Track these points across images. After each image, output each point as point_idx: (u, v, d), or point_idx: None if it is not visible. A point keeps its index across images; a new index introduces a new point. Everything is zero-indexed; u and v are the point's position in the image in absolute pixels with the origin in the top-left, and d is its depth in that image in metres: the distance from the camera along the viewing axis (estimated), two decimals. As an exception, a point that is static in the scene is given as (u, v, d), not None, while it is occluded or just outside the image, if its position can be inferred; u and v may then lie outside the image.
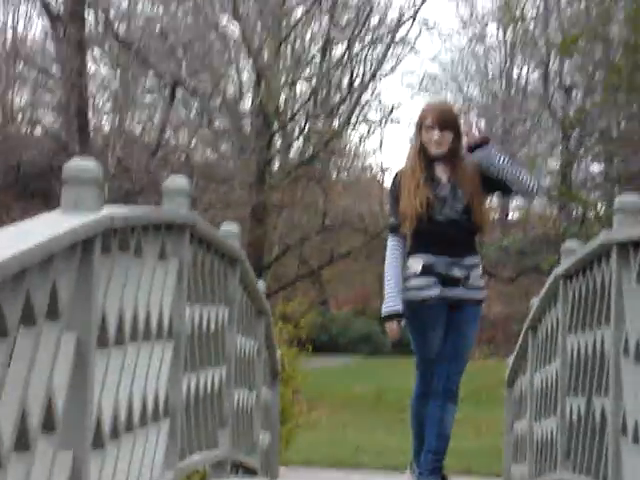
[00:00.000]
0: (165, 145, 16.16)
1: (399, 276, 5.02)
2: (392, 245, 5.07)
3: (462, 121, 5.08)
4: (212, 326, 5.01)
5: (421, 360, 5.05)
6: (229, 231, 5.74)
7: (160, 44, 14.43)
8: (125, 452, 3.42)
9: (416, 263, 4.99)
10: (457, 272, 5.00)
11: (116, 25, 15.39)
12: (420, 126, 5.03)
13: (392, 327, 4.99)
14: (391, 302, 4.99)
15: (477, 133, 5.06)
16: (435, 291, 4.97)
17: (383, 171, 26.23)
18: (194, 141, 17.53)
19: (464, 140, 4.99)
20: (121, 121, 15.26)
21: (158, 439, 3.94)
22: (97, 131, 15.73)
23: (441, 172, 5.04)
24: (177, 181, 4.51)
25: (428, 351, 5.01)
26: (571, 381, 5.14)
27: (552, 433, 5.53)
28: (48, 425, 2.64)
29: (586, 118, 11.72)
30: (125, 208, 3.58)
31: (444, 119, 4.99)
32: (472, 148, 5.01)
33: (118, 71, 16.18)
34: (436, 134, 4.97)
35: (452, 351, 5.00)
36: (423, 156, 5.02)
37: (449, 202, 4.99)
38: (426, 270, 4.97)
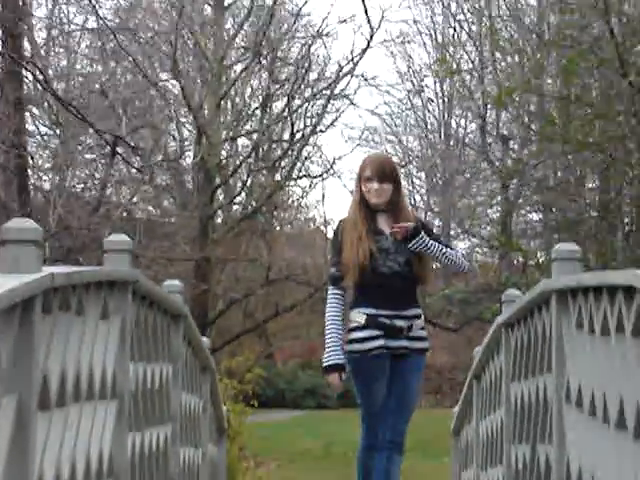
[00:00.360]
0: (107, 202, 16.10)
1: (339, 328, 5.06)
2: (332, 297, 5.10)
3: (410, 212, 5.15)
4: (156, 384, 4.97)
5: (366, 412, 5.05)
6: (172, 287, 5.73)
7: (100, 102, 14.45)
8: (68, 515, 3.37)
9: (359, 315, 5.03)
10: (400, 323, 5.03)
11: (55, 84, 15.39)
12: (360, 178, 5.10)
13: (334, 379, 5.01)
14: (332, 354, 5.01)
15: (406, 225, 5.07)
16: (379, 342, 4.99)
17: (326, 223, 26.35)
18: (136, 198, 17.50)
19: (397, 234, 5.02)
20: (62, 179, 15.20)
21: (102, 501, 3.88)
22: (37, 189, 15.64)
23: (383, 224, 5.10)
24: (118, 239, 4.50)
25: (373, 403, 5.01)
26: (516, 429, 5.17)
27: (499, 482, 5.54)
28: (-11, 490, 2.60)
29: (523, 168, 11.91)
30: (66, 267, 3.56)
31: (382, 171, 5.05)
32: (407, 239, 5.05)
33: (57, 130, 16.14)
34: (375, 185, 5.03)
35: (397, 402, 5.03)
36: (365, 208, 5.08)
37: (392, 254, 5.04)
38: (369, 322, 5.01)
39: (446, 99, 26.87)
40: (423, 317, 5.18)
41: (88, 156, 16.70)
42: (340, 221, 5.22)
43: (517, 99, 11.16)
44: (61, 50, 17.47)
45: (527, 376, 4.96)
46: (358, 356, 5.00)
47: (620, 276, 3.30)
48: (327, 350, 5.03)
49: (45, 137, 16.99)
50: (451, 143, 25.82)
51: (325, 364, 5.03)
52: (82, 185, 16.67)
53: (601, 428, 3.51)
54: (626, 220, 11.87)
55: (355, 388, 5.08)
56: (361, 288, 5.02)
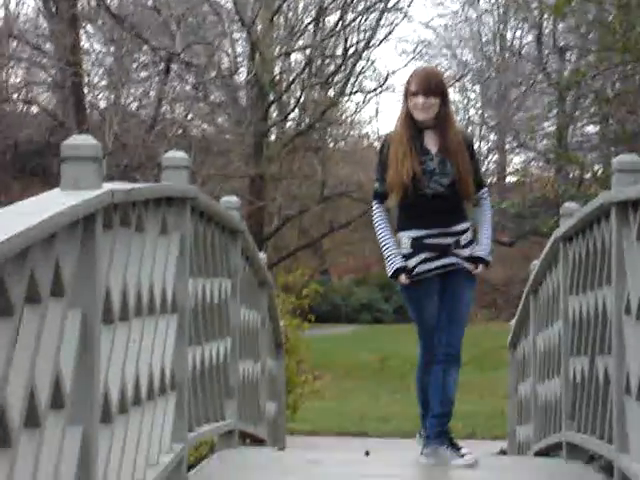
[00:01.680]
0: (162, 120, 16.10)
1: (392, 237, 5.07)
2: (378, 212, 5.09)
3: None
4: (215, 299, 5.03)
5: (422, 329, 5.08)
6: (230, 203, 5.75)
7: (153, 18, 14.36)
8: (133, 426, 3.45)
9: (405, 240, 5.02)
10: (447, 241, 5.00)
11: (108, 0, 15.31)
12: (406, 92, 4.98)
13: (403, 281, 5.02)
14: (393, 260, 5.02)
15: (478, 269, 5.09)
16: (427, 266, 4.99)
17: (380, 139, 26.21)
18: (190, 115, 17.48)
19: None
20: (117, 97, 15.20)
21: (166, 412, 3.96)
22: (93, 107, 15.67)
23: (430, 142, 5.00)
24: (176, 155, 4.51)
25: (426, 322, 5.04)
26: (574, 342, 5.16)
27: (556, 394, 5.57)
28: (57, 402, 2.66)
29: (581, 79, 11.68)
30: (125, 184, 3.58)
31: (428, 84, 4.93)
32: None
33: (112, 47, 16.12)
34: (420, 100, 4.92)
35: (449, 317, 5.04)
36: (411, 124, 4.96)
37: (436, 175, 4.97)
38: (415, 246, 5.00)
39: (501, 10, 26.36)
40: (472, 230, 5.13)
41: (143, 74, 16.70)
42: (386, 136, 5.15)
43: (575, 7, 10.89)
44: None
45: (586, 289, 4.94)
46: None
47: (683, 187, 3.25)
48: (388, 259, 5.03)
49: (100, 55, 16.99)
50: (507, 55, 25.39)
51: (390, 271, 5.04)
52: (137, 103, 16.70)
53: (662, 340, 3.49)
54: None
55: (408, 307, 5.13)
56: (405, 208, 5.00)
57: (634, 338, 3.98)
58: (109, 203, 3.11)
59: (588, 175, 13.96)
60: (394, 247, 5.04)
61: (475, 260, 5.04)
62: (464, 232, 5.06)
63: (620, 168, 4.42)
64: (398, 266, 4.99)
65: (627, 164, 4.41)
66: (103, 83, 16.39)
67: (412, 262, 4.99)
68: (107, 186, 3.13)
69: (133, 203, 3.49)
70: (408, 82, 5.00)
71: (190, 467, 4.66)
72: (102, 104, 15.61)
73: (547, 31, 21.29)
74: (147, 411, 3.65)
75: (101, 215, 3.02)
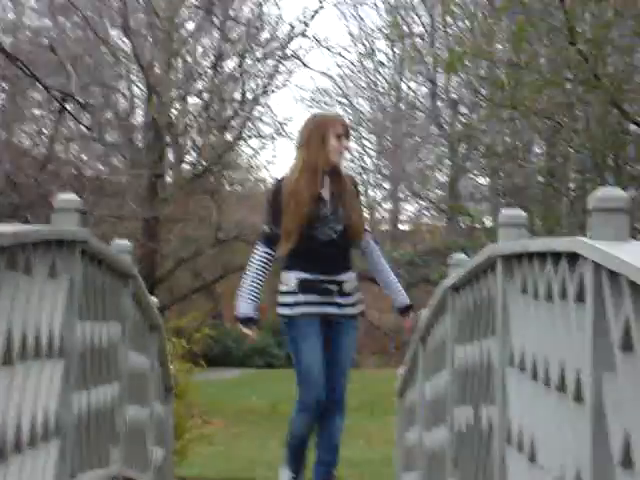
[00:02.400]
0: (55, 159, 15.92)
1: (259, 284, 5.06)
2: (260, 255, 5.07)
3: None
4: (104, 343, 4.98)
5: (303, 375, 5.02)
6: (121, 247, 5.72)
7: (48, 57, 14.24)
8: (13, 473, 3.38)
9: (293, 279, 5.02)
10: (332, 287, 5.05)
11: (2, 37, 15.14)
12: (322, 136, 4.96)
13: (245, 332, 5.08)
14: (243, 306, 5.05)
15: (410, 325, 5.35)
16: (310, 309, 5.01)
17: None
18: (85, 155, 17.32)
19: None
20: (9, 135, 14.99)
21: (48, 459, 3.90)
22: (-16, 145, 15.43)
23: (325, 188, 5.04)
24: (67, 198, 4.48)
25: (309, 366, 4.99)
26: (460, 391, 5.25)
27: (442, 443, 5.64)
28: None
29: (472, 133, 12.00)
30: (14, 225, 3.54)
31: (348, 129, 5.04)
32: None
33: (5, 84, 15.91)
34: (346, 143, 4.98)
35: (333, 365, 5.05)
36: (315, 169, 4.97)
37: (331, 222, 5.02)
38: (300, 287, 5.01)
39: (397, 62, 26.88)
40: (356, 281, 5.19)
41: (36, 112, 16.49)
42: (279, 180, 5.11)
43: (467, 64, 11.21)
44: (9, 3, 17.18)
45: (472, 339, 5.04)
46: (287, 321, 5.01)
47: (564, 243, 3.36)
48: (239, 301, 5.05)
49: (-8, 91, 16.74)
50: (401, 106, 25.86)
51: (236, 314, 5.06)
52: (30, 141, 16.47)
53: (543, 391, 3.58)
54: (571, 186, 12.03)
55: (291, 351, 5.09)
56: (295, 253, 4.99)
57: (516, 389, 4.07)
58: (-4, 245, 3.07)
59: (478, 226, 14.28)
60: (251, 293, 5.04)
61: (406, 309, 5.22)
62: (348, 282, 5.13)
63: (505, 222, 4.55)
64: (243, 315, 5.02)
65: (511, 218, 4.55)
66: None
67: (295, 299, 4.98)
68: (-5, 228, 3.09)
69: (21, 245, 3.45)
70: (330, 124, 4.98)
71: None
72: (-6, 141, 15.38)
73: (441, 83, 21.78)
74: (28, 458, 3.58)
75: (-12, 257, 2.98)
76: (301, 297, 4.99)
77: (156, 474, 6.82)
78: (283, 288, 5.05)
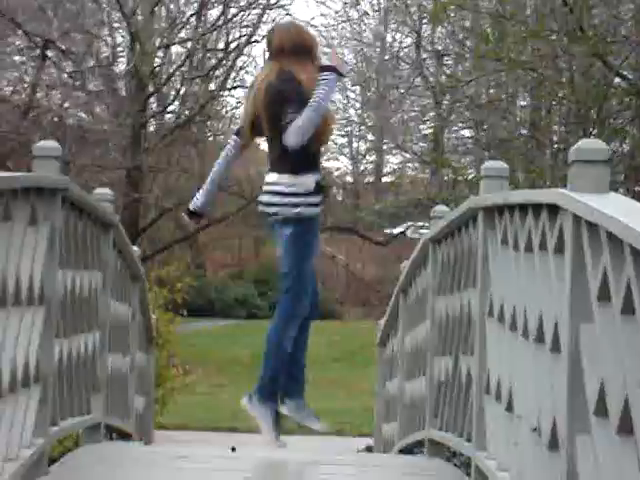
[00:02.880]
0: (37, 107, 15.78)
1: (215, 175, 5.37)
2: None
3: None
4: (85, 291, 4.98)
5: (305, 281, 5.06)
6: (103, 195, 5.70)
7: (29, 2, 14.06)
8: (-6, 419, 3.39)
9: (313, 181, 5.01)
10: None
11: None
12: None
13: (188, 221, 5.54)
14: (194, 201, 5.43)
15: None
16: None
17: (259, 135, 26.19)
18: (67, 103, 17.18)
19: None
20: (-10, 81, 14.88)
21: (28, 405, 3.91)
22: (-36, 92, 15.28)
23: None
24: (47, 145, 4.45)
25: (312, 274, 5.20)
26: (439, 342, 5.29)
27: (421, 393, 5.69)
28: None
29: (456, 85, 11.95)
30: (-7, 172, 3.52)
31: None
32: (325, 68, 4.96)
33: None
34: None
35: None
36: None
37: None
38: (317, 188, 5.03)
39: (382, 12, 26.69)
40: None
41: (17, 58, 16.32)
42: None
43: (452, 15, 11.14)
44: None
45: (452, 291, 5.06)
46: (312, 221, 5.05)
47: (545, 194, 3.37)
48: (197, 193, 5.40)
49: (-28, 38, 16.54)
50: (386, 57, 25.72)
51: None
52: (11, 88, 16.31)
53: (521, 342, 3.61)
54: (555, 138, 12.01)
55: (302, 254, 5.03)
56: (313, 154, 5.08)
57: (495, 340, 4.10)
58: (-25, 192, 3.06)
59: (461, 179, 14.27)
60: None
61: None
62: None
63: (488, 174, 4.56)
64: (191, 207, 5.40)
65: (494, 170, 4.55)
66: (-25, 67, 15.99)
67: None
68: (-26, 174, 3.07)
69: (0, 192, 3.43)
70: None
71: (54, 460, 4.61)
72: (-26, 88, 15.23)
73: (426, 34, 21.65)
74: (8, 404, 3.59)
75: (-33, 204, 2.97)
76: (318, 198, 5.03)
77: (137, 422, 6.86)
78: (307, 189, 4.99)
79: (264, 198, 5.10)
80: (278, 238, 5.07)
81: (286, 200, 4.98)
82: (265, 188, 5.09)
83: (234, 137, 5.32)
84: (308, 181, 5.01)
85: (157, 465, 4.71)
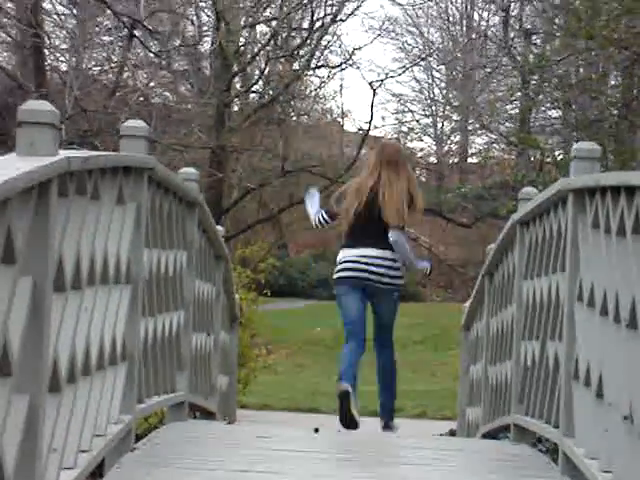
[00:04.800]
0: (124, 86, 15.93)
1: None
2: None
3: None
4: (170, 270, 5.00)
5: None
6: (188, 175, 5.72)
7: (118, -17, 14.23)
8: (82, 396, 3.43)
9: None
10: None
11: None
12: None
13: None
14: None
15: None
16: None
17: (343, 115, 26.18)
18: (153, 83, 17.32)
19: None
20: (78, 61, 15.03)
21: (115, 383, 3.95)
22: (54, 70, 15.47)
23: None
24: (135, 125, 4.48)
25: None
26: (526, 326, 5.20)
27: (507, 377, 5.61)
28: (4, 369, 2.63)
29: (545, 65, 11.71)
30: (82, 151, 3.55)
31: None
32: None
33: (74, 10, 15.90)
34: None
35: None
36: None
37: None
38: None
39: (470, -9, 26.37)
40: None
41: (105, 38, 16.48)
42: None
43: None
44: None
45: (540, 275, 4.97)
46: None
47: (639, 177, 3.27)
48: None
49: (62, 17, 16.76)
50: (473, 36, 25.42)
51: None
52: (99, 68, 16.49)
53: (612, 327, 3.52)
54: (648, 120, 11.72)
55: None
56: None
57: (585, 325, 4.01)
58: (65, 171, 3.07)
59: (549, 160, 14.04)
60: None
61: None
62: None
63: (578, 155, 4.45)
64: None
65: (585, 152, 4.44)
66: (64, 46, 16.17)
67: None
68: (63, 153, 3.09)
69: (89, 171, 3.45)
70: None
71: (139, 437, 4.65)
72: (63, 67, 15.40)
73: (514, 13, 21.34)
74: (96, 381, 3.63)
75: (56, 182, 2.99)
76: None
77: (220, 401, 6.90)
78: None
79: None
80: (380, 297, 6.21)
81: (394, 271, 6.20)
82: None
83: (320, 216, 6.49)
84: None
85: (240, 444, 4.73)
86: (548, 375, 4.63)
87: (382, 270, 6.05)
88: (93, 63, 16.43)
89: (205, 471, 3.99)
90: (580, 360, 4.02)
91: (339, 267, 6.19)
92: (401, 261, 6.14)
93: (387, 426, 6.19)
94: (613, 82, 13.20)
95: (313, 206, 6.48)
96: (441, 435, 8.38)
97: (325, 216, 6.40)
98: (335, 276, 6.28)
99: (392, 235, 6.04)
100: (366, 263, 6.04)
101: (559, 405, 4.30)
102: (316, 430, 5.39)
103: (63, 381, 3.18)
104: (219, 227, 6.81)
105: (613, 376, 3.49)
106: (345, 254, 6.15)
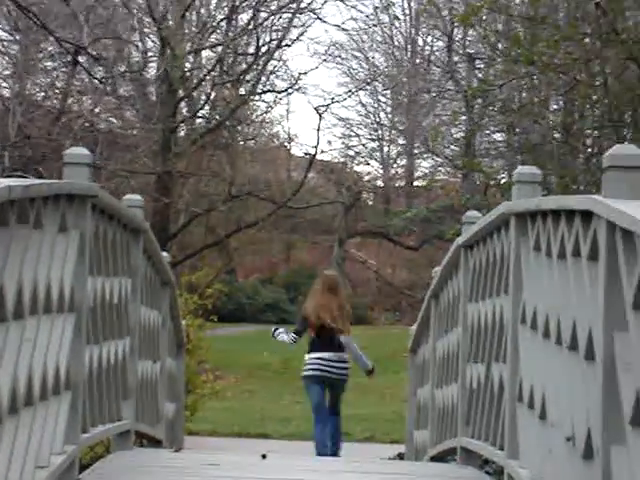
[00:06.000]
0: (68, 112, 15.83)
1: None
2: None
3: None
4: (115, 298, 4.97)
5: None
6: (132, 201, 5.69)
7: (61, 8, 14.13)
8: (24, 427, 3.38)
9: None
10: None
11: (16, -11, 15.02)
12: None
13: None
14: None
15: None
16: None
17: (290, 139, 26.24)
18: (98, 108, 17.25)
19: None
20: (22, 87, 14.93)
21: (59, 413, 3.90)
22: (-4, 97, 15.34)
23: None
24: (77, 152, 4.45)
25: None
26: (471, 349, 5.24)
27: (453, 400, 5.64)
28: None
29: (488, 89, 11.87)
30: (24, 179, 3.52)
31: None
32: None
33: (17, 36, 15.79)
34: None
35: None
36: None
37: None
38: None
39: (413, 16, 26.63)
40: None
41: (49, 64, 16.38)
42: None
43: (484, 18, 11.07)
44: (22, -45, 16.96)
45: (485, 297, 5.01)
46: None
47: (578, 201, 3.32)
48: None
49: (4, 42, 16.64)
50: (417, 61, 25.66)
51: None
52: (43, 94, 16.38)
53: (554, 349, 3.56)
54: (588, 143, 11.89)
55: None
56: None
57: (528, 347, 4.05)
58: (6, 199, 3.05)
59: (493, 183, 14.19)
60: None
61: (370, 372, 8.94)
62: None
63: (520, 179, 4.51)
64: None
65: (527, 176, 4.50)
66: (7, 72, 16.07)
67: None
68: (4, 182, 3.07)
69: (31, 199, 3.43)
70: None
71: (85, 467, 4.60)
72: (6, 93, 15.28)
73: (458, 38, 21.58)
74: (39, 412, 3.59)
75: (-4, 211, 2.96)
76: None
77: (167, 428, 6.85)
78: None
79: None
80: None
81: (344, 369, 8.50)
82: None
83: (293, 336, 8.65)
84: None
85: (188, 472, 4.69)
86: (493, 397, 4.66)
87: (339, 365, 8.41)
88: (37, 89, 16.32)
89: (150, 500, 3.96)
90: (524, 382, 4.05)
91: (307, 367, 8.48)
92: (352, 359, 8.44)
93: None
94: (555, 106, 13.40)
95: (286, 335, 8.61)
96: (389, 459, 8.39)
97: (296, 335, 8.56)
98: (304, 374, 8.51)
99: (343, 339, 8.35)
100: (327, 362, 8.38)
101: (504, 427, 4.33)
102: (263, 456, 5.37)
103: (4, 412, 3.14)
104: (164, 253, 6.79)
105: (556, 397, 3.52)
106: (311, 356, 8.43)
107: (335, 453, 8.32)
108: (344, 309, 8.46)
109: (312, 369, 8.40)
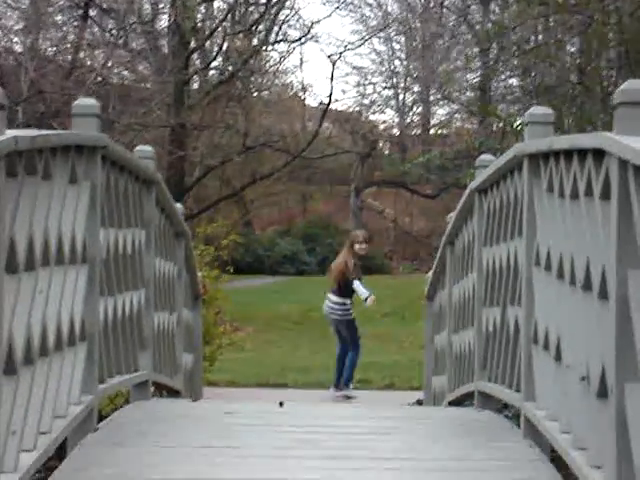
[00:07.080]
0: (80, 66, 15.77)
1: None
2: None
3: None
4: (129, 249, 4.97)
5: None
6: (144, 152, 5.67)
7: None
8: (40, 377, 3.40)
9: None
10: None
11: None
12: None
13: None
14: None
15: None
16: None
17: (304, 89, 26.10)
18: (110, 62, 17.17)
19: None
20: (33, 41, 14.87)
21: (75, 363, 3.92)
22: (8, 52, 15.29)
23: None
24: (85, 103, 4.43)
25: None
26: (487, 293, 5.22)
27: (470, 345, 5.64)
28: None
29: (502, 32, 11.72)
30: (32, 131, 3.50)
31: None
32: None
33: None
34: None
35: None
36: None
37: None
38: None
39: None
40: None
41: (59, 18, 16.30)
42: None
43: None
44: None
45: (499, 241, 4.99)
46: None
47: (589, 139, 3.28)
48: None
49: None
50: (431, 5, 25.38)
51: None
52: (54, 48, 16.31)
53: (568, 290, 3.54)
54: (604, 84, 11.75)
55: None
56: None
57: (542, 289, 4.03)
58: (12, 150, 3.03)
59: (508, 127, 14.07)
60: None
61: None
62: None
63: (532, 120, 4.46)
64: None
65: (539, 116, 4.45)
66: (18, 27, 15.98)
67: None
68: (10, 133, 3.05)
69: (39, 151, 3.41)
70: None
71: (104, 418, 4.63)
72: (17, 48, 15.22)
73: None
74: (55, 362, 3.60)
75: (4, 162, 2.95)
76: None
77: (186, 379, 6.89)
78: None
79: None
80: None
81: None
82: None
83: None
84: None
85: (205, 421, 4.72)
86: (509, 341, 4.65)
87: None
88: (48, 44, 16.25)
89: (166, 449, 3.98)
90: (539, 324, 4.04)
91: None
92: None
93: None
94: (570, 48, 13.24)
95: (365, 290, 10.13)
96: (409, 405, 8.41)
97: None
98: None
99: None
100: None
101: (520, 370, 4.32)
102: (281, 404, 5.39)
103: (19, 363, 3.15)
104: (178, 205, 6.78)
105: (570, 338, 3.51)
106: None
107: (339, 382, 10.06)
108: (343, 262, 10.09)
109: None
